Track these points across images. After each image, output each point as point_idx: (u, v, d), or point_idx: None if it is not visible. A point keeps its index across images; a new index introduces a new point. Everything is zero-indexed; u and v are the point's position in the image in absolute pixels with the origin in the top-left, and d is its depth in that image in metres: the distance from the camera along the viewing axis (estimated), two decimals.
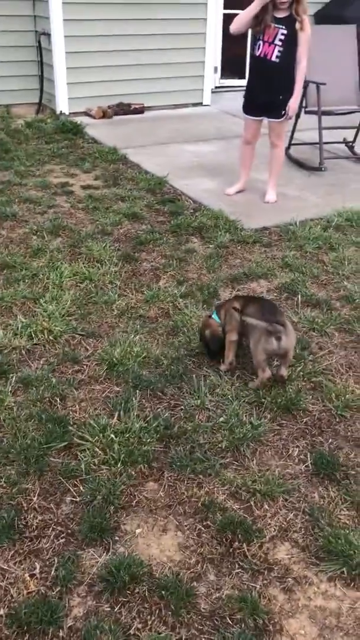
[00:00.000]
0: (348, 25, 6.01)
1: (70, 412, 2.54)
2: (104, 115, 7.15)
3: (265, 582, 1.89)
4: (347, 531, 2.04)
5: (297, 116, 5.70)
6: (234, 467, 2.32)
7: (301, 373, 2.83)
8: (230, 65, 8.72)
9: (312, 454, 2.39)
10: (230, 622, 1.76)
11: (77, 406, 2.58)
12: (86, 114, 7.17)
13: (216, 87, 8.52)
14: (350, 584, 1.90)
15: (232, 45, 8.48)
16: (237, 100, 8.15)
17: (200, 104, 7.87)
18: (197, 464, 2.31)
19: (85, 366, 2.85)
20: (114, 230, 4.25)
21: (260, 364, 2.67)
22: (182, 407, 2.61)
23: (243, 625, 1.75)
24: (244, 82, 8.74)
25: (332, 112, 5.52)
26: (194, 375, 2.80)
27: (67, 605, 1.79)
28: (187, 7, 7.30)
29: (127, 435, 2.39)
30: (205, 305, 3.37)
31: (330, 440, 2.47)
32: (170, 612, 1.78)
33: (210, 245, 4.08)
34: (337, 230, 4.37)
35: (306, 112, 5.60)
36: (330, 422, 2.57)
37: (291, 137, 5.86)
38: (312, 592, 1.88)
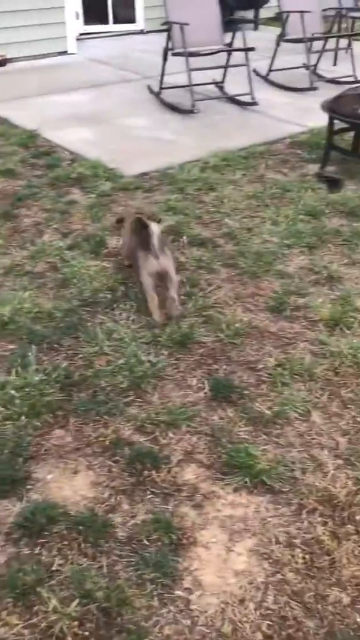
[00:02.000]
0: None
1: None
2: None
3: (176, 502, 2.01)
4: (247, 445, 2.19)
5: (165, 59, 5.69)
6: (137, 404, 2.40)
7: (193, 308, 2.94)
8: (93, 11, 8.44)
9: (209, 381, 2.51)
10: (147, 543, 1.87)
11: None
12: None
13: (81, 35, 8.25)
14: (253, 491, 2.06)
15: None
16: (103, 48, 8.01)
17: (66, 52, 7.60)
18: (101, 406, 2.36)
19: None
20: None
21: (148, 290, 2.83)
22: (81, 355, 2.64)
23: (159, 544, 1.86)
24: (108, 28, 8.62)
25: (198, 52, 5.54)
26: (88, 324, 2.82)
27: None
28: None
29: (28, 389, 2.39)
30: (93, 255, 3.37)
31: (224, 367, 2.61)
32: (89, 545, 1.86)
33: (92, 195, 4.05)
34: (214, 170, 4.47)
35: (173, 54, 5.58)
36: (224, 350, 2.70)
37: (161, 81, 5.84)
38: (220, 504, 2.02)
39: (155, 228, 2.75)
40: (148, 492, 2.03)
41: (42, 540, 1.86)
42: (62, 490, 2.03)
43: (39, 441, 2.22)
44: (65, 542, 1.86)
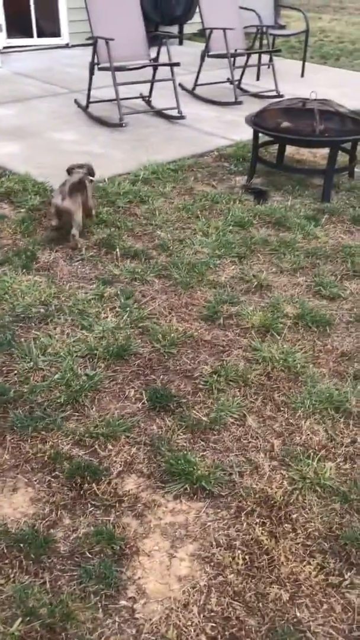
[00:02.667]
0: None
1: None
2: None
3: (117, 513, 2.02)
4: (185, 452, 2.23)
5: (91, 73, 5.72)
6: (75, 418, 2.40)
7: (128, 320, 2.96)
8: (16, 24, 8.37)
9: (146, 391, 2.54)
10: (90, 556, 1.87)
11: None
12: None
13: (4, 48, 8.16)
14: (194, 497, 2.10)
15: (13, 2, 8.14)
16: (27, 61, 7.95)
17: None
18: (38, 422, 2.35)
19: None
20: None
21: (50, 214, 3.71)
22: (16, 371, 2.61)
23: (102, 555, 1.87)
24: (32, 42, 8.57)
25: (124, 67, 5.60)
26: (22, 340, 2.80)
27: None
28: None
29: None
30: (25, 270, 3.34)
31: (161, 377, 2.64)
32: (31, 562, 1.84)
33: (22, 210, 4.01)
34: (144, 183, 4.52)
35: (99, 69, 5.62)
36: (160, 360, 2.74)
37: (88, 95, 5.86)
38: (161, 512, 2.05)
39: (75, 177, 3.66)
40: (89, 505, 2.04)
41: None
42: (2, 509, 2.01)
43: None
44: (6, 561, 1.84)
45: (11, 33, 8.34)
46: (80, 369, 2.64)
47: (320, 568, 1.87)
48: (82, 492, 2.08)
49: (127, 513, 2.03)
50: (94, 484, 2.10)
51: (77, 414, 2.42)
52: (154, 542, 1.94)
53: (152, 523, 2.00)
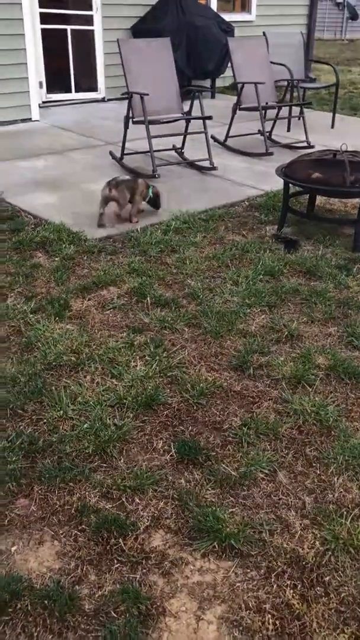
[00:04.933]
0: (163, 38, 6.31)
1: None
2: None
3: (144, 571, 1.98)
4: (214, 508, 2.18)
5: (126, 126, 5.90)
6: (102, 469, 2.38)
7: (157, 368, 2.96)
8: (56, 80, 8.75)
9: (175, 443, 2.51)
10: (115, 615, 1.82)
11: None
12: None
13: (44, 102, 8.51)
14: (222, 556, 2.04)
15: (54, 60, 8.53)
16: (65, 115, 8.27)
17: (30, 119, 7.81)
18: (66, 472, 2.33)
19: None
20: None
21: (100, 203, 4.62)
22: (45, 420, 2.62)
23: (127, 615, 1.82)
24: (70, 96, 8.93)
25: (158, 121, 5.77)
26: (53, 388, 2.81)
27: None
28: (2, 22, 7.21)
29: None
30: (57, 318, 3.39)
31: (190, 428, 2.61)
32: (55, 620, 1.80)
33: (56, 259, 4.10)
34: (176, 233, 4.59)
35: (134, 122, 5.79)
36: (189, 411, 2.72)
37: (123, 147, 6.04)
38: (189, 570, 1.99)
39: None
40: (115, 561, 2.00)
41: (6, 618, 1.80)
42: (27, 563, 1.98)
43: (2, 511, 2.17)
44: (30, 619, 1.80)
45: (51, 88, 8.71)
46: (109, 418, 2.63)
47: (355, 638, 1.79)
48: (108, 547, 2.04)
49: (154, 571, 1.98)
50: (120, 539, 2.06)
51: (105, 465, 2.40)
52: (181, 603, 1.88)
53: (179, 582, 1.95)
